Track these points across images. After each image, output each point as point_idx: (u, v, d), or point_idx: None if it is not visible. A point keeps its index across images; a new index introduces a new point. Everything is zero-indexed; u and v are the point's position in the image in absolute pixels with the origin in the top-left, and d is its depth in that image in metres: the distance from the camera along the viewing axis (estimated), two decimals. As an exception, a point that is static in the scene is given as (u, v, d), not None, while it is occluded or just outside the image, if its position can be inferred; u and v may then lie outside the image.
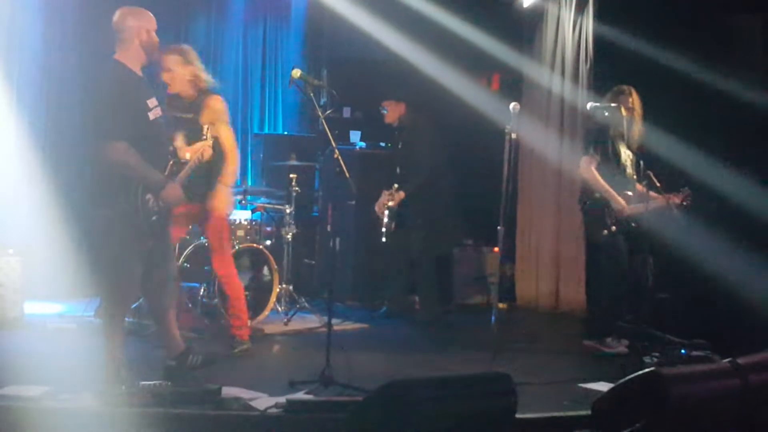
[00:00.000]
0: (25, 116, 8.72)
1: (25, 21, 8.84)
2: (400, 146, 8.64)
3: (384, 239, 8.51)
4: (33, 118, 8.86)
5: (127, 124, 5.38)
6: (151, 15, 5.67)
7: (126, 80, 5.50)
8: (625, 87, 7.42)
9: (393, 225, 8.43)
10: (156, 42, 5.62)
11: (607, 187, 7.27)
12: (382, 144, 9.93)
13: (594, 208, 7.36)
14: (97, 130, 5.46)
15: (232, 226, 8.27)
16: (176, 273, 6.04)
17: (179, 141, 6.40)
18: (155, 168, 5.50)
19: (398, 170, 8.59)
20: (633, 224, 7.20)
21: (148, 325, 7.22)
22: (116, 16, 5.58)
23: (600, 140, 7.40)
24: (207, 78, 6.72)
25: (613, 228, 7.23)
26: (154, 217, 5.52)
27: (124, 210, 5.43)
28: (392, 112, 8.64)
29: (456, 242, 9.84)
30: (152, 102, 5.57)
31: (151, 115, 5.52)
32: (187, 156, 5.98)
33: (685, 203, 7.18)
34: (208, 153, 5.98)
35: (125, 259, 5.58)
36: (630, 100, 7.36)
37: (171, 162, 5.69)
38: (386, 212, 8.43)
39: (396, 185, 8.25)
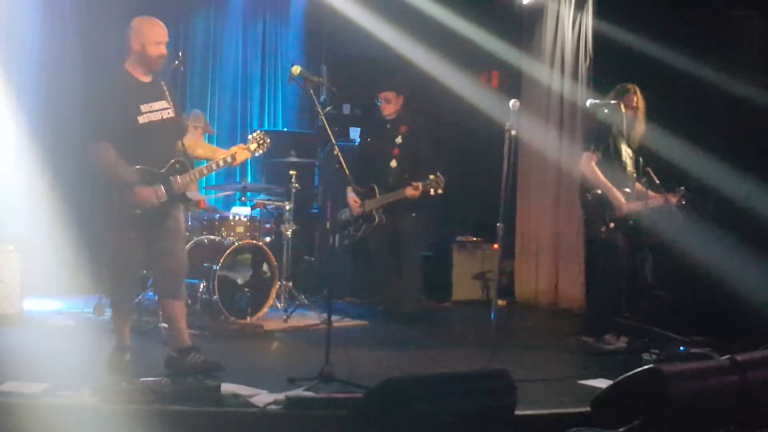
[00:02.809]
0: (24, 112, 8.72)
1: (24, 17, 8.85)
2: (399, 141, 8.57)
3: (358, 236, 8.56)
4: (32, 114, 8.87)
5: (112, 127, 5.70)
6: (154, 27, 5.89)
7: (117, 86, 5.85)
8: (629, 86, 7.40)
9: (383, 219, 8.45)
10: (153, 55, 5.83)
11: (607, 183, 7.27)
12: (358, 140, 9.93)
13: (594, 204, 7.36)
14: (82, 130, 5.94)
15: (232, 223, 8.29)
16: (180, 268, 6.07)
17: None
18: (148, 165, 5.74)
19: (394, 164, 8.50)
20: (631, 222, 7.21)
21: (147, 321, 7.24)
22: None
23: (601, 137, 7.41)
24: None
25: (612, 225, 7.24)
26: (137, 211, 5.71)
27: (109, 203, 5.80)
28: (393, 104, 8.57)
29: (446, 236, 9.85)
30: (151, 107, 5.83)
31: (142, 119, 5.77)
32: (220, 157, 6.11)
33: (682, 202, 7.18)
34: (242, 157, 6.10)
35: (114, 248, 5.94)
36: (634, 98, 7.36)
37: (173, 161, 5.84)
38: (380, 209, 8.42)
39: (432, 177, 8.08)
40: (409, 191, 8.15)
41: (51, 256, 8.36)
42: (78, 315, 7.73)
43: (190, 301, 7.62)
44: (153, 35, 5.85)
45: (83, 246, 8.69)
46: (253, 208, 8.74)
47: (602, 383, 5.66)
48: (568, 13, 9.64)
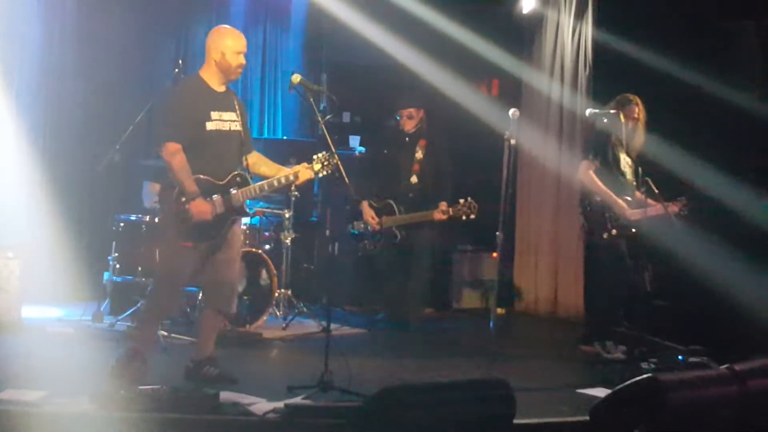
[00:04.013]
0: (24, 118, 8.72)
1: (24, 22, 8.84)
2: (420, 155, 8.45)
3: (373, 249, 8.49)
4: (32, 119, 8.86)
5: (183, 129, 5.76)
6: (236, 37, 5.98)
7: (191, 90, 5.94)
8: (631, 97, 7.37)
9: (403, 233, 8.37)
10: (233, 64, 5.93)
11: (606, 190, 7.27)
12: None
13: (595, 212, 7.36)
14: (159, 129, 6.02)
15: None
16: (235, 278, 6.11)
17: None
18: (210, 175, 5.78)
19: (415, 180, 8.41)
20: (633, 229, 7.20)
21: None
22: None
23: (600, 146, 7.41)
24: None
25: (614, 231, 7.23)
26: (194, 220, 5.70)
27: (169, 210, 5.81)
28: (415, 119, 8.46)
29: (446, 244, 9.83)
30: (220, 115, 5.89)
31: (210, 126, 5.82)
32: (288, 176, 6.00)
33: (682, 212, 7.18)
34: (305, 176, 6.00)
35: (171, 258, 5.94)
36: (636, 110, 7.33)
37: (234, 174, 5.87)
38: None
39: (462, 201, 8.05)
40: (437, 215, 8.14)
41: (50, 263, 8.36)
42: (77, 322, 7.71)
43: (188, 309, 7.66)
44: (235, 45, 5.92)
45: (82, 253, 8.71)
46: (252, 216, 8.74)
47: (601, 392, 5.67)
48: (568, 22, 9.66)
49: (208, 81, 5.94)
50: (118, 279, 7.94)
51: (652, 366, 6.73)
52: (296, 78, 6.19)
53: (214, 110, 5.87)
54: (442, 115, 9.67)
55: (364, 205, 8.46)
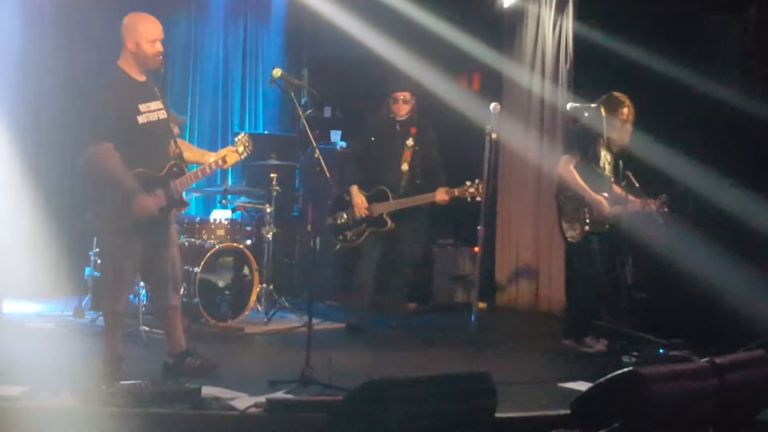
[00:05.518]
0: (3, 113, 8.66)
1: (2, 20, 8.79)
2: (411, 143, 8.06)
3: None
4: (12, 116, 8.80)
5: (113, 126, 5.57)
6: (149, 24, 5.76)
7: (116, 84, 5.71)
8: (621, 98, 7.31)
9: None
10: (149, 53, 5.71)
11: (584, 186, 7.26)
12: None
13: (570, 207, 7.36)
14: (84, 130, 5.70)
15: (213, 226, 8.27)
16: (179, 274, 6.08)
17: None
18: (148, 168, 5.64)
19: (405, 167, 8.04)
20: (607, 225, 7.22)
21: (127, 324, 7.20)
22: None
23: (581, 141, 7.41)
24: None
25: (587, 228, 7.24)
26: (138, 216, 5.60)
27: (109, 208, 5.61)
28: (409, 104, 8.10)
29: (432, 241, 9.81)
30: (148, 106, 5.73)
31: (141, 119, 5.67)
32: (211, 160, 6.01)
33: (662, 208, 7.17)
34: (233, 160, 6.00)
35: (115, 256, 5.80)
36: (625, 111, 7.27)
37: (170, 164, 5.77)
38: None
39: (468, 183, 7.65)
40: (439, 196, 7.77)
41: (31, 258, 8.32)
42: (58, 318, 7.69)
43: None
44: (148, 32, 5.71)
45: (63, 248, 8.67)
46: (233, 211, 8.73)
47: (582, 386, 5.68)
48: (548, 16, 9.67)
49: (128, 72, 5.75)
50: (99, 274, 7.91)
51: (634, 359, 6.75)
52: (277, 72, 6.17)
53: (141, 102, 5.71)
54: (422, 109, 9.69)
55: (354, 189, 8.04)
